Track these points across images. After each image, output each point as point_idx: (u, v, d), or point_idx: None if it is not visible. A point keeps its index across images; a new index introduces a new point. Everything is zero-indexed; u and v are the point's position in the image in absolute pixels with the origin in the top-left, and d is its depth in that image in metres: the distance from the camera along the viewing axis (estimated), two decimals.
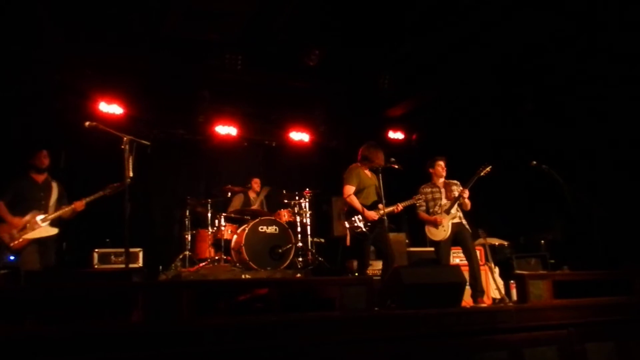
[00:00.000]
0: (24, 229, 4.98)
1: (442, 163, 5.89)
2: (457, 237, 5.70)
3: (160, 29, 6.41)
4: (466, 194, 5.69)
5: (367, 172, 5.64)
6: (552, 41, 6.59)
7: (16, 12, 5.85)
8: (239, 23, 6.37)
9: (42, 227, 5.05)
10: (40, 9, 5.88)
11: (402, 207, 5.66)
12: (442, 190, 5.80)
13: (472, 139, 8.37)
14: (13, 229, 4.94)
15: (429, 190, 5.88)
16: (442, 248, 5.71)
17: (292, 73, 7.68)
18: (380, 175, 5.59)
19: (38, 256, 5.01)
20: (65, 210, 5.15)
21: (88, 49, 6.75)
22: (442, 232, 5.69)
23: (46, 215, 5.10)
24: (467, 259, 5.66)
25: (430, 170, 5.93)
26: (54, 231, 5.13)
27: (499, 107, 8.16)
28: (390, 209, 5.53)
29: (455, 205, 5.70)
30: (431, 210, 5.82)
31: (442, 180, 5.89)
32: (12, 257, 5.58)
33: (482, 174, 5.81)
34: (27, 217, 5.01)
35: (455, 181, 5.93)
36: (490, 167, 5.81)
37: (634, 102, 6.48)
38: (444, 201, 5.76)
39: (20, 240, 4.92)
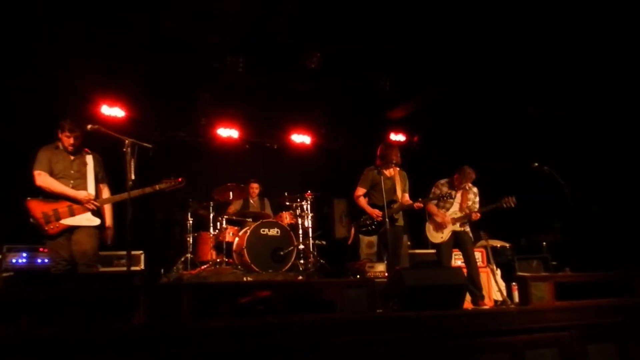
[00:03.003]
0: (64, 211, 4.14)
1: (469, 183, 5.81)
2: (457, 241, 5.71)
3: (160, 30, 6.42)
4: (478, 217, 5.66)
5: (386, 172, 5.48)
6: (552, 41, 6.59)
7: (16, 12, 5.86)
8: (239, 24, 6.38)
9: (82, 213, 4.21)
10: (41, 9, 5.89)
11: (422, 204, 5.52)
12: (458, 195, 5.77)
13: (474, 140, 8.36)
14: (50, 209, 4.07)
15: (446, 190, 5.76)
16: (443, 250, 5.72)
17: (293, 75, 7.69)
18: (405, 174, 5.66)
19: (65, 251, 4.18)
20: (117, 198, 4.47)
21: (88, 50, 6.75)
22: (439, 237, 5.72)
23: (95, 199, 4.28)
24: (465, 264, 5.67)
25: (456, 176, 5.81)
26: (95, 221, 4.28)
27: (500, 108, 8.16)
28: (397, 205, 5.43)
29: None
30: (440, 206, 5.81)
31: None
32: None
33: (504, 206, 5.64)
34: (79, 194, 4.18)
35: (474, 188, 5.89)
36: (515, 201, 5.59)
37: (635, 103, 6.47)
38: (455, 207, 5.74)
39: (58, 224, 4.15)
